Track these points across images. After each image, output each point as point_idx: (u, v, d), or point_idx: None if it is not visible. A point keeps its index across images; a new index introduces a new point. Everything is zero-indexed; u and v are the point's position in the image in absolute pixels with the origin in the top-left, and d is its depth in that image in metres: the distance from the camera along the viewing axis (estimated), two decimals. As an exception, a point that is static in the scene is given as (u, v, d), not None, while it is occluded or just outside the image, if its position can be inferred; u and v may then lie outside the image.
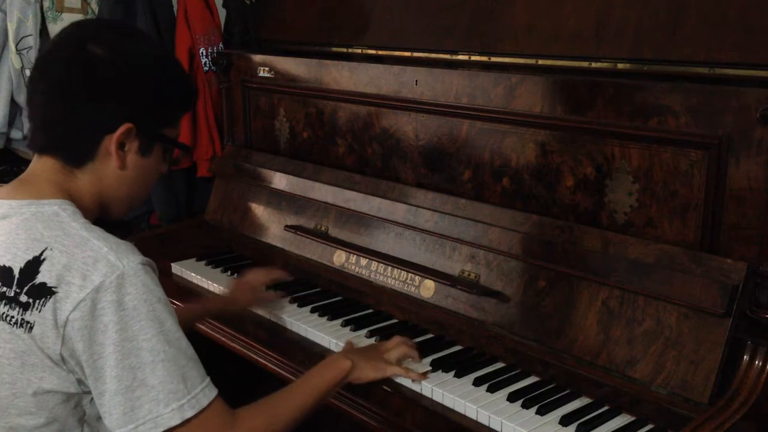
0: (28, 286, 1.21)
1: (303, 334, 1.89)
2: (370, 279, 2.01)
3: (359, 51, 2.28)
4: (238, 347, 1.97)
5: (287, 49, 2.52)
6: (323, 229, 2.18)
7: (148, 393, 1.18)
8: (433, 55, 2.07)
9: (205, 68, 2.84)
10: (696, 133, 1.47)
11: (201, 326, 2.05)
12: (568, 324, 1.61)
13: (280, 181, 2.34)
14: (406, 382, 1.62)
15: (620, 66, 1.70)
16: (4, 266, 1.24)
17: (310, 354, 1.80)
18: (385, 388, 1.62)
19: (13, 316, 1.21)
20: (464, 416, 1.53)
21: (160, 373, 1.19)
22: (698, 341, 1.43)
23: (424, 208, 1.93)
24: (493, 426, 1.48)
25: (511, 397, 1.54)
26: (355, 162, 2.20)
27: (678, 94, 1.49)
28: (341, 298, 2.05)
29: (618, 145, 1.60)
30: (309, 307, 1.98)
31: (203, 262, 2.33)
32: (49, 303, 1.18)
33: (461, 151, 1.90)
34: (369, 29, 2.25)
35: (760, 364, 1.39)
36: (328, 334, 1.83)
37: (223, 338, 2.01)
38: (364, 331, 1.85)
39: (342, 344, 1.78)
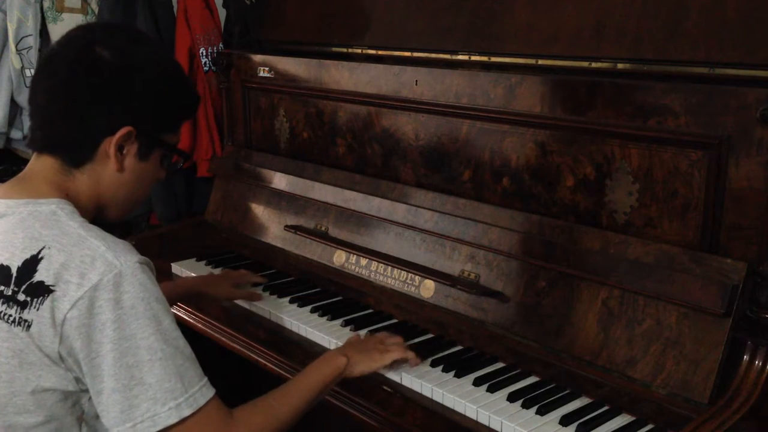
0: (26, 284, 1.21)
1: (303, 334, 1.89)
2: (370, 279, 2.01)
3: (359, 51, 2.28)
4: (238, 347, 1.97)
5: (287, 49, 2.52)
6: (323, 229, 2.18)
7: (146, 391, 1.19)
8: (433, 55, 2.07)
9: (205, 68, 2.84)
10: (696, 133, 1.47)
11: (201, 326, 2.05)
12: (568, 324, 1.61)
13: (280, 181, 2.34)
14: (406, 381, 1.62)
15: (620, 66, 1.69)
16: (2, 265, 1.24)
17: (310, 354, 1.80)
18: (385, 388, 1.62)
19: (11, 315, 1.22)
20: (464, 416, 1.53)
21: (157, 371, 1.19)
22: (698, 341, 1.43)
23: (424, 208, 1.93)
24: (493, 426, 1.48)
25: (511, 397, 1.54)
26: (355, 162, 2.20)
27: (678, 94, 1.49)
28: (341, 298, 2.05)
29: (618, 145, 1.60)
30: (309, 307, 1.98)
31: (203, 262, 2.33)
32: (47, 301, 1.19)
33: (461, 151, 1.90)
34: (369, 29, 2.25)
35: (760, 364, 1.39)
36: (328, 334, 1.83)
37: (223, 338, 2.01)
38: (364, 331, 1.85)
39: (342, 344, 1.78)
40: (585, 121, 1.64)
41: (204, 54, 2.84)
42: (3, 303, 1.23)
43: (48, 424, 1.24)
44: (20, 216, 1.26)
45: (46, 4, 2.86)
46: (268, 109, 2.48)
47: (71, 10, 2.91)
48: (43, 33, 2.86)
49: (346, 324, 1.88)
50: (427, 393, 1.59)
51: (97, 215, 1.38)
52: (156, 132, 1.38)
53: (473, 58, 1.97)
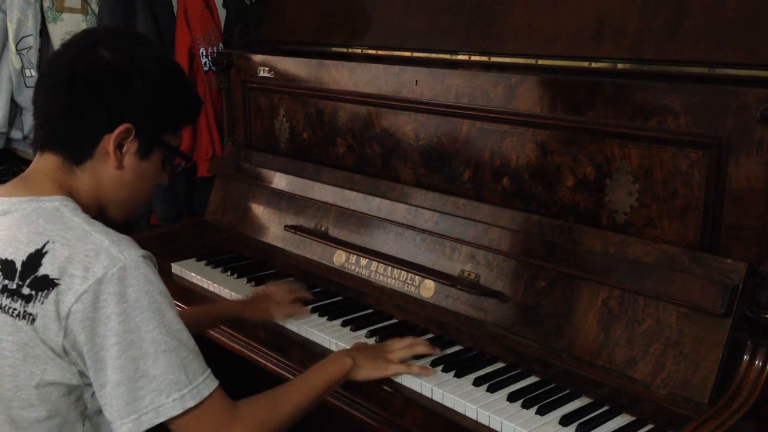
0: (31, 278, 1.22)
1: (303, 334, 1.89)
2: (370, 279, 2.01)
3: (359, 51, 2.28)
4: (238, 347, 1.97)
5: (287, 49, 2.52)
6: (323, 229, 2.18)
7: (150, 383, 1.20)
8: (433, 55, 2.07)
9: (205, 68, 2.84)
10: (696, 133, 1.47)
11: (201, 326, 2.05)
12: (568, 324, 1.61)
13: (280, 181, 2.34)
14: (406, 381, 1.62)
15: (620, 66, 1.70)
16: (7, 259, 1.25)
17: (310, 354, 1.80)
18: (385, 388, 1.62)
19: (15, 309, 1.23)
20: (464, 416, 1.53)
21: (161, 363, 1.21)
22: (698, 341, 1.43)
23: (424, 208, 1.93)
24: (493, 426, 1.48)
25: (511, 397, 1.54)
26: (355, 162, 2.20)
27: (678, 94, 1.49)
28: (341, 298, 2.05)
29: (618, 145, 1.60)
30: (309, 307, 1.97)
31: (203, 262, 2.33)
32: (52, 295, 1.20)
33: (461, 151, 1.90)
34: (369, 29, 2.25)
35: (760, 364, 1.39)
36: (328, 334, 1.83)
37: (223, 338, 2.01)
38: (363, 331, 1.85)
39: (342, 344, 1.78)
40: (585, 121, 1.64)
41: (204, 54, 2.84)
42: (7, 297, 1.24)
43: (51, 419, 1.25)
44: (24, 212, 1.28)
45: (46, 4, 2.86)
46: (268, 109, 2.48)
47: (71, 10, 2.91)
48: (43, 33, 2.86)
49: (345, 324, 1.88)
50: (427, 393, 1.59)
51: (99, 215, 1.39)
52: (156, 131, 1.38)
53: (473, 58, 1.97)
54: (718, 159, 1.45)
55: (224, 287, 2.14)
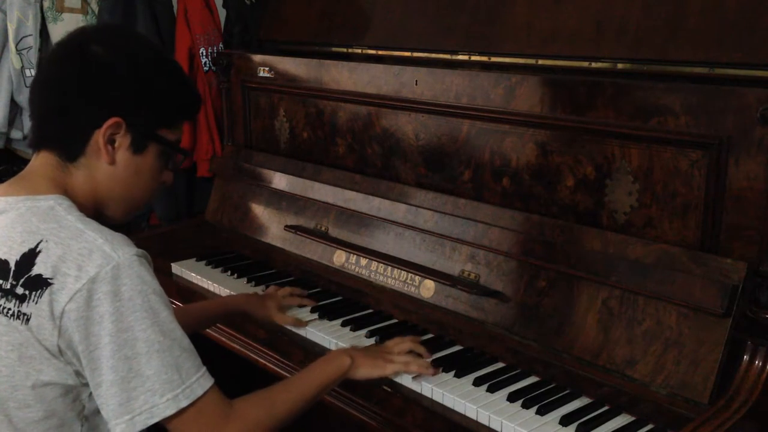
0: (25, 278, 1.22)
1: (303, 334, 1.88)
2: (370, 279, 2.01)
3: (359, 51, 2.28)
4: (237, 347, 1.97)
5: (287, 49, 2.52)
6: (323, 229, 2.18)
7: (144, 383, 1.19)
8: (433, 55, 2.07)
9: (205, 68, 2.85)
10: (696, 133, 1.47)
11: (201, 326, 2.05)
12: (568, 324, 1.61)
13: (280, 181, 2.34)
14: (406, 381, 1.62)
15: (620, 66, 1.70)
16: (1, 259, 1.25)
17: (310, 354, 1.80)
18: (385, 388, 1.62)
19: (9, 308, 1.22)
20: (464, 416, 1.53)
21: (155, 363, 1.20)
22: (698, 341, 1.43)
23: (424, 208, 1.93)
24: (493, 426, 1.48)
25: (511, 397, 1.54)
26: (355, 162, 2.20)
27: (678, 94, 1.49)
28: (341, 298, 2.05)
29: (618, 145, 1.60)
30: (309, 307, 1.97)
31: (203, 262, 2.33)
32: (45, 294, 1.20)
33: (461, 151, 1.90)
34: (369, 29, 2.25)
35: (760, 364, 1.39)
36: (327, 334, 1.83)
37: (222, 338, 2.01)
38: (363, 331, 1.85)
39: (342, 344, 1.78)
40: (585, 121, 1.64)
41: (204, 54, 2.84)
42: (2, 297, 1.23)
43: (49, 419, 1.25)
44: (19, 211, 1.27)
45: (46, 4, 2.86)
46: (268, 109, 2.48)
47: (71, 10, 2.91)
48: (43, 33, 2.86)
49: (345, 324, 1.88)
50: (427, 393, 1.59)
51: (97, 214, 1.38)
52: (150, 125, 1.37)
53: (473, 58, 1.97)
54: (718, 159, 1.45)
55: (224, 287, 2.14)
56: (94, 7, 2.93)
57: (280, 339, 1.90)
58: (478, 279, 1.79)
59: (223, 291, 2.14)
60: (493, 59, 1.93)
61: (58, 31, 2.84)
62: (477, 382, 1.60)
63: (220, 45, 2.86)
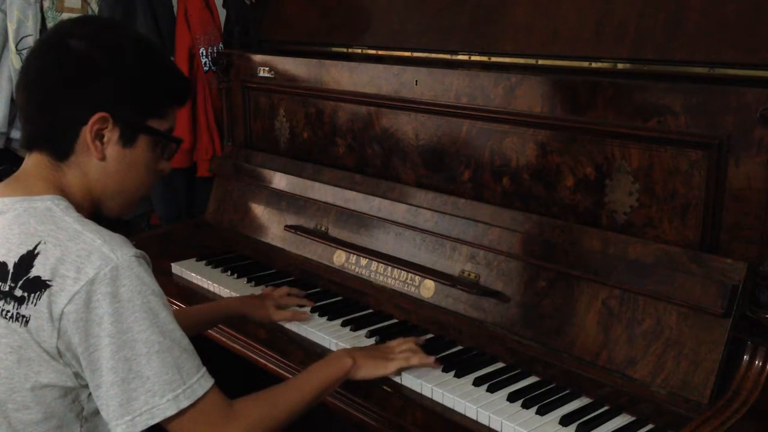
0: (23, 280, 1.21)
1: (303, 334, 1.89)
2: (370, 279, 2.01)
3: (359, 51, 2.28)
4: (238, 347, 1.97)
5: (287, 49, 2.52)
6: (323, 229, 2.18)
7: (144, 384, 1.19)
8: (433, 55, 2.07)
9: (205, 68, 2.84)
10: (696, 133, 1.47)
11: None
12: (568, 324, 1.61)
13: (280, 181, 2.34)
14: (406, 381, 1.62)
15: (620, 66, 1.70)
16: None
17: (310, 354, 1.80)
18: (385, 388, 1.62)
19: (8, 311, 1.22)
20: (464, 416, 1.53)
21: (155, 364, 1.20)
22: (698, 341, 1.43)
23: (424, 208, 1.93)
24: (493, 426, 1.48)
25: (511, 397, 1.54)
26: (355, 162, 2.20)
27: (678, 94, 1.49)
28: (341, 298, 2.05)
29: (618, 145, 1.60)
30: (309, 307, 1.97)
31: (203, 262, 2.33)
32: (44, 296, 1.19)
33: (461, 151, 1.90)
34: (369, 29, 2.25)
35: (760, 364, 1.39)
36: (328, 334, 1.83)
37: (223, 338, 2.01)
38: (364, 331, 1.85)
39: (342, 344, 1.78)
40: (585, 121, 1.64)
41: (204, 54, 2.84)
42: (0, 299, 1.23)
43: (48, 421, 1.24)
44: (16, 213, 1.27)
45: (46, 4, 2.87)
46: (268, 109, 2.48)
47: (71, 10, 2.91)
48: (43, 33, 2.86)
49: (345, 324, 1.88)
50: (427, 393, 1.59)
51: (95, 210, 1.37)
52: (137, 117, 1.34)
53: (473, 58, 1.97)
54: (718, 159, 1.45)
55: (224, 287, 2.14)
56: (94, 7, 2.93)
57: (280, 339, 1.90)
58: (478, 279, 1.79)
59: (223, 291, 2.14)
60: (493, 59, 1.93)
61: (57, 32, 2.84)
62: (477, 382, 1.60)
63: (220, 45, 2.86)
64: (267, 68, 2.42)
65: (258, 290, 2.08)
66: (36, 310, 1.20)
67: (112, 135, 1.32)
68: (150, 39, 1.56)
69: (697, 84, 1.53)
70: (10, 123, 2.92)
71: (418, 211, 1.94)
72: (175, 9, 2.90)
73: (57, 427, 1.25)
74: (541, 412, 1.50)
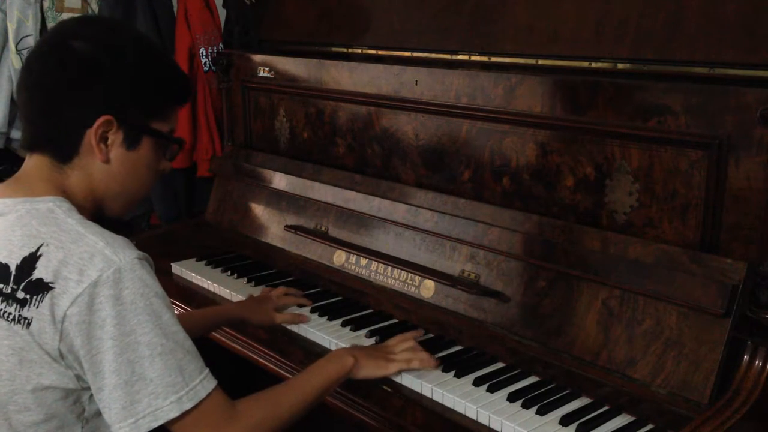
0: (25, 282, 1.21)
1: (303, 334, 1.89)
2: (370, 279, 2.01)
3: (359, 51, 2.28)
4: (238, 347, 1.97)
5: (287, 49, 2.52)
6: (323, 229, 2.18)
7: (147, 386, 1.19)
8: (433, 55, 2.07)
9: (205, 68, 2.85)
10: (696, 133, 1.47)
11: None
12: (568, 324, 1.61)
13: (280, 181, 2.34)
14: (406, 381, 1.62)
15: (620, 66, 1.70)
16: (1, 263, 1.24)
17: (310, 354, 1.80)
18: (385, 388, 1.62)
19: (10, 313, 1.22)
20: (464, 416, 1.53)
21: (158, 366, 1.20)
22: (698, 341, 1.43)
23: (424, 208, 1.93)
24: (493, 426, 1.48)
25: (511, 397, 1.54)
26: (355, 162, 2.20)
27: (678, 94, 1.49)
28: (341, 298, 2.05)
29: (618, 145, 1.60)
30: (309, 307, 1.97)
31: (203, 262, 2.33)
32: (47, 299, 1.19)
33: (461, 151, 1.90)
34: (369, 29, 2.25)
35: (760, 364, 1.39)
36: (328, 334, 1.83)
37: (223, 338, 2.01)
38: (364, 331, 1.85)
39: (342, 344, 1.78)
40: (585, 121, 1.64)
41: (204, 54, 2.84)
42: (2, 301, 1.23)
43: (49, 422, 1.24)
44: (18, 214, 1.26)
45: (46, 4, 2.87)
46: (268, 109, 2.48)
47: (71, 10, 2.91)
48: (43, 33, 2.87)
49: (345, 324, 1.88)
50: (427, 393, 1.59)
51: (97, 211, 1.37)
52: (141, 119, 1.34)
53: (473, 58, 1.97)
54: (718, 159, 1.45)
55: (224, 287, 2.14)
56: (94, 6, 2.93)
57: (280, 339, 1.90)
58: (478, 279, 1.79)
59: (223, 291, 2.14)
60: (493, 59, 1.93)
61: (57, 32, 2.84)
62: (477, 382, 1.60)
63: (220, 45, 2.86)
64: (267, 68, 2.42)
65: (258, 290, 2.08)
66: (38, 312, 1.19)
67: (116, 137, 1.32)
68: (151, 38, 1.56)
69: (697, 84, 1.53)
70: (10, 123, 2.92)
71: (418, 211, 1.94)
72: (175, 9, 2.90)
73: (58, 429, 1.25)
74: (541, 412, 1.50)
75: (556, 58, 1.80)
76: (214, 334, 2.01)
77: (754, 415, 1.36)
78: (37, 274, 1.20)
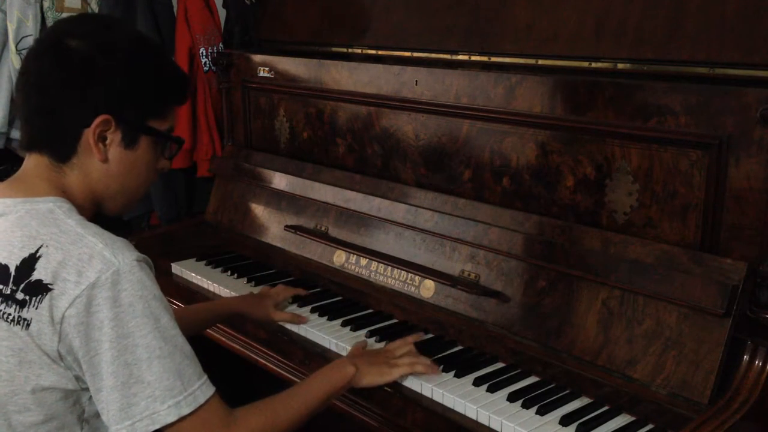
0: (25, 283, 1.21)
1: (303, 334, 1.88)
2: (370, 279, 2.01)
3: (359, 51, 2.28)
4: (238, 347, 1.97)
5: (287, 49, 2.52)
6: (323, 229, 2.18)
7: (144, 390, 1.19)
8: (433, 55, 2.07)
9: (205, 68, 2.85)
10: (696, 133, 1.47)
11: (201, 326, 2.05)
12: (568, 324, 1.61)
13: (280, 181, 2.34)
14: (406, 382, 1.62)
15: (620, 66, 1.69)
16: (0, 264, 1.24)
17: (310, 354, 1.80)
18: (385, 388, 1.62)
19: (10, 314, 1.22)
20: (464, 416, 1.53)
21: (156, 369, 1.19)
22: (698, 341, 1.43)
23: (424, 208, 1.93)
24: (493, 426, 1.48)
25: (511, 397, 1.54)
26: (355, 162, 2.20)
27: (678, 94, 1.49)
28: (341, 298, 2.05)
29: (618, 145, 1.60)
30: (309, 307, 1.98)
31: (203, 262, 2.33)
32: (46, 300, 1.19)
33: (461, 151, 1.90)
34: (369, 29, 2.25)
35: (760, 364, 1.39)
36: (328, 334, 1.83)
37: (223, 338, 2.01)
38: (363, 332, 1.85)
39: (342, 344, 1.78)
40: (585, 121, 1.64)
41: (204, 54, 2.84)
42: (2, 302, 1.23)
43: (48, 422, 1.24)
44: (18, 214, 1.26)
45: (46, 4, 2.87)
46: (268, 109, 2.48)
47: (71, 10, 2.91)
48: (43, 33, 2.87)
49: (345, 324, 1.88)
50: (427, 393, 1.59)
51: (97, 211, 1.37)
52: (139, 118, 1.33)
53: (473, 58, 1.97)
54: (718, 159, 1.45)
55: (224, 287, 2.14)
56: (94, 6, 2.93)
57: (280, 339, 1.90)
58: (478, 279, 1.79)
59: (222, 291, 2.14)
60: (493, 59, 1.93)
61: (58, 31, 2.84)
62: (477, 382, 1.60)
63: (220, 45, 2.86)
64: (267, 68, 2.42)
65: (258, 290, 2.08)
66: (37, 313, 1.19)
67: (114, 137, 1.31)
68: (148, 36, 1.56)
69: (697, 84, 1.53)
70: (10, 123, 2.92)
71: (418, 211, 1.94)
72: (175, 9, 2.90)
73: (58, 429, 1.25)
74: (541, 412, 1.50)
75: (556, 58, 1.80)
76: (213, 333, 2.02)
77: (754, 416, 1.36)
78: (36, 276, 1.20)
